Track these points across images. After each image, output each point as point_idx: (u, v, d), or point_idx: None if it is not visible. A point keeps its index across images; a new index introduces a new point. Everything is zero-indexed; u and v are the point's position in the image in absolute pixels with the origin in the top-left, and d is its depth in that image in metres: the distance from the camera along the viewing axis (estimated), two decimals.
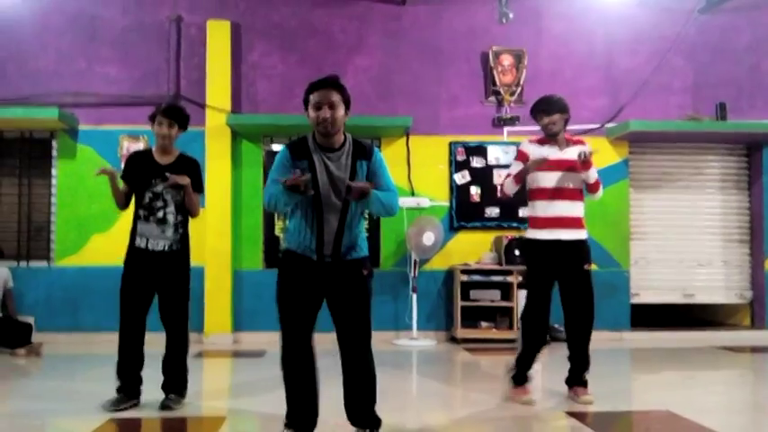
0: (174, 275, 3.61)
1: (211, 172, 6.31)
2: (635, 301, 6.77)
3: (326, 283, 2.73)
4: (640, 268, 6.84)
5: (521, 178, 3.73)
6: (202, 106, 6.39)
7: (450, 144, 6.65)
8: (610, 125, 6.71)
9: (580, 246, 3.71)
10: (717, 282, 6.93)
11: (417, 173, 6.59)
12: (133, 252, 3.57)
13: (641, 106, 6.72)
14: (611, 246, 6.65)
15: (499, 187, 3.78)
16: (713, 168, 7.02)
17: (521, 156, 3.81)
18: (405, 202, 6.47)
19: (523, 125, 6.57)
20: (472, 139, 6.68)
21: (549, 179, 3.69)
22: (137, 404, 3.57)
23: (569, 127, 6.56)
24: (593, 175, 3.75)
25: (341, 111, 2.66)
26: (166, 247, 3.57)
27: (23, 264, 6.37)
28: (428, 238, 6.14)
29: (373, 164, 2.73)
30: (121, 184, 3.67)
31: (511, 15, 6.57)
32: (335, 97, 2.65)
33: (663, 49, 6.77)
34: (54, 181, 6.44)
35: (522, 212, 6.38)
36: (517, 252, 6.18)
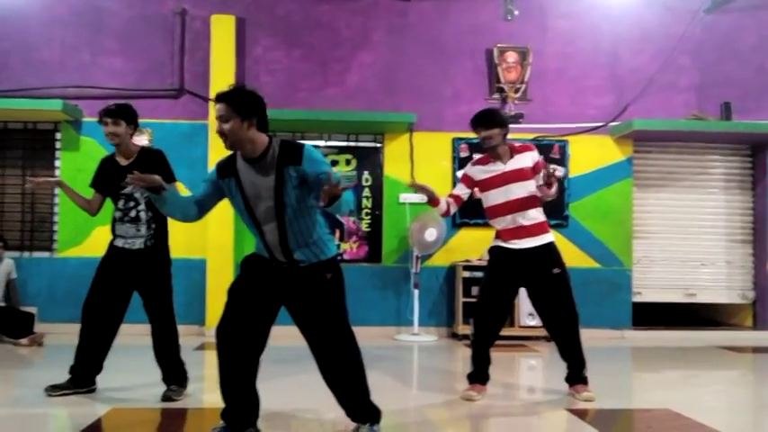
0: (152, 271, 3.65)
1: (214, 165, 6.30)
2: (637, 299, 6.76)
3: (285, 289, 2.70)
4: (643, 267, 6.83)
5: (436, 204, 3.69)
6: (206, 99, 6.38)
7: (454, 140, 6.65)
8: (614, 123, 6.70)
9: (544, 251, 3.68)
10: (719, 282, 6.92)
11: (421, 169, 6.58)
12: (113, 251, 3.66)
13: (646, 105, 6.70)
14: (613, 244, 6.63)
15: (443, 203, 3.75)
16: (717, 168, 7.00)
17: (464, 179, 3.82)
18: (408, 197, 6.48)
19: (527, 122, 6.56)
20: (475, 135, 6.63)
21: (497, 195, 3.69)
22: (88, 391, 3.63)
23: (575, 124, 6.69)
24: (550, 195, 3.68)
25: (231, 124, 2.54)
26: (143, 245, 3.63)
27: (27, 254, 6.39)
28: (430, 234, 6.13)
29: (305, 164, 2.55)
30: (92, 191, 3.75)
31: (516, 12, 6.56)
32: (224, 111, 2.55)
33: (668, 48, 6.75)
34: (57, 172, 6.44)
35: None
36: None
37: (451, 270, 6.51)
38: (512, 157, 3.73)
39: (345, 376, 2.72)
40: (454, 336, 6.36)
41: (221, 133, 2.58)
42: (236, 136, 2.56)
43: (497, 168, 3.71)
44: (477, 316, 3.78)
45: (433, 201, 3.67)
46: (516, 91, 6.65)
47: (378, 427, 2.77)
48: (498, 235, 3.77)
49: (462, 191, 3.81)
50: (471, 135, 6.68)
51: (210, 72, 6.39)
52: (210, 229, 6.28)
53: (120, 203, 3.62)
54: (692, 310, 7.25)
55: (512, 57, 6.65)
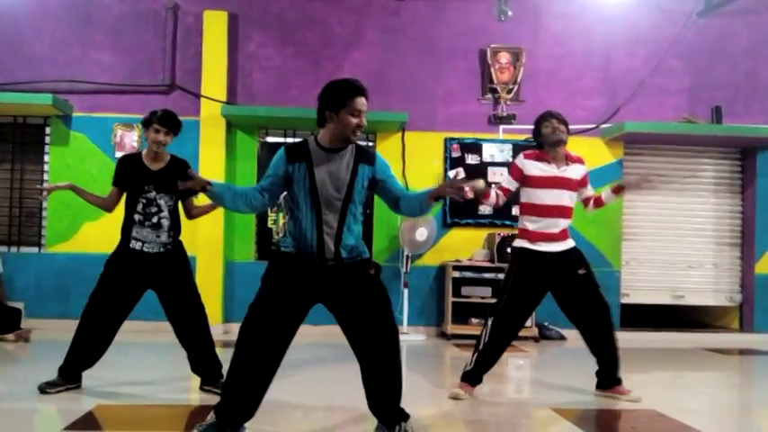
0: (175, 270, 3.64)
1: (205, 162, 6.29)
2: (625, 301, 6.80)
3: (327, 287, 2.69)
4: (631, 269, 6.86)
5: (487, 197, 3.65)
6: (197, 96, 6.36)
7: (446, 140, 6.65)
8: (605, 126, 6.73)
9: (569, 254, 3.72)
10: (707, 284, 6.97)
11: (412, 168, 6.58)
12: (126, 252, 3.59)
13: (637, 107, 6.73)
14: (603, 246, 6.67)
15: (492, 195, 3.69)
16: (707, 171, 7.05)
17: (515, 172, 3.75)
18: None
19: (519, 123, 6.58)
20: (468, 136, 6.68)
21: (545, 196, 3.67)
22: (75, 387, 3.61)
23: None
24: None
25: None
26: (162, 249, 3.61)
27: (14, 249, 6.34)
28: (421, 234, 6.14)
29: (380, 169, 2.76)
30: (110, 191, 3.72)
31: (510, 13, 6.57)
32: (366, 106, 2.70)
33: (660, 51, 6.79)
34: (46, 167, 6.40)
35: (516, 210, 6.38)
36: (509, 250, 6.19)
37: (441, 270, 6.52)
38: (567, 164, 3.74)
39: (391, 377, 2.70)
40: (443, 335, 6.37)
41: (363, 127, 2.68)
42: None
43: (551, 170, 3.70)
44: (499, 318, 3.67)
45: (484, 194, 3.63)
46: (509, 92, 6.67)
47: (409, 425, 2.74)
48: (527, 236, 3.70)
49: (512, 185, 3.74)
50: (463, 135, 6.78)
51: (202, 68, 6.36)
52: (201, 227, 6.24)
53: (140, 207, 3.58)
54: (679, 311, 7.30)
55: (505, 57, 6.67)
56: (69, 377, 3.61)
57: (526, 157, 3.75)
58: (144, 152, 3.67)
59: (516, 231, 3.90)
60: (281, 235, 2.86)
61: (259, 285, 2.76)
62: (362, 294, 2.69)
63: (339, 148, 2.69)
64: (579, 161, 3.82)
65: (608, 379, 3.78)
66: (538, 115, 3.83)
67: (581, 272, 3.71)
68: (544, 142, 3.74)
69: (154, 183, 3.59)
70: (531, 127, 3.87)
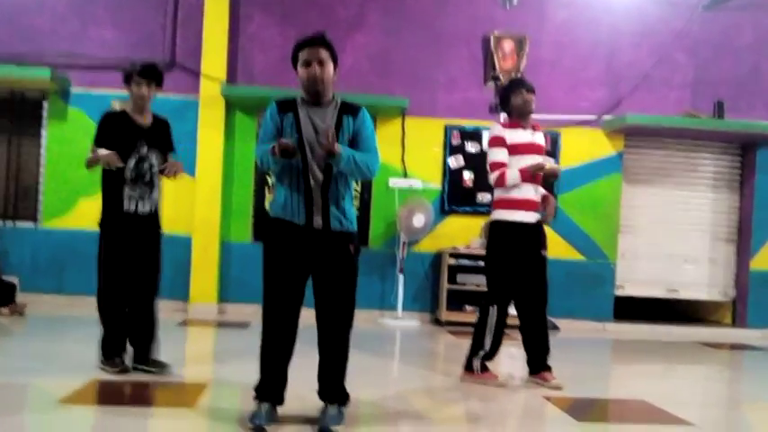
0: (154, 240, 3.62)
1: (203, 141, 6.26)
2: (619, 293, 6.83)
3: (313, 253, 2.70)
4: (627, 261, 6.88)
5: (530, 176, 3.65)
6: (197, 74, 6.31)
7: (446, 127, 6.63)
8: (607, 117, 6.70)
9: (540, 230, 3.74)
10: (701, 278, 7.00)
11: (411, 154, 6.56)
12: (121, 217, 3.51)
13: (640, 100, 6.71)
14: (599, 237, 6.68)
15: (494, 176, 3.67)
16: (707, 166, 7.04)
17: (501, 141, 3.71)
18: (397, 182, 6.47)
19: None
20: (468, 123, 6.65)
21: (523, 162, 3.68)
22: (121, 370, 3.57)
23: (568, 116, 6.69)
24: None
25: (329, 67, 2.68)
26: (152, 209, 3.60)
27: (10, 224, 6.33)
28: (418, 220, 6.14)
29: (358, 120, 2.72)
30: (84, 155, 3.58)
31: (515, 0, 6.51)
32: (324, 54, 2.66)
33: (665, 44, 6.75)
34: (44, 142, 6.37)
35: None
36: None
37: (438, 257, 6.52)
38: (534, 131, 3.77)
39: (336, 351, 2.74)
40: (437, 322, 6.40)
41: (316, 77, 2.63)
42: (329, 81, 2.67)
43: (526, 137, 3.72)
44: (502, 299, 3.67)
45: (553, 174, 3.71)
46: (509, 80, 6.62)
47: (344, 410, 2.78)
48: (508, 205, 3.66)
49: (507, 156, 3.69)
50: (464, 122, 6.74)
51: (203, 47, 6.30)
52: (198, 206, 6.25)
53: (132, 163, 3.49)
54: (673, 305, 7.33)
55: (508, 45, 6.62)
56: (113, 355, 3.56)
57: (504, 126, 3.76)
58: (129, 108, 3.59)
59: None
60: (271, 203, 2.83)
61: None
62: (335, 267, 2.71)
63: (318, 101, 2.69)
64: (539, 128, 3.85)
65: (539, 363, 3.81)
66: (506, 82, 3.82)
67: (543, 253, 3.74)
68: (513, 111, 3.76)
69: (146, 138, 3.54)
70: (533, 116, 3.84)
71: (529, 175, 3.66)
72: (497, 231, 3.71)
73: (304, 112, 2.67)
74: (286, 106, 2.70)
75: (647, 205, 6.96)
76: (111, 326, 3.55)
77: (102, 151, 3.41)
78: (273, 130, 2.69)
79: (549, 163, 3.72)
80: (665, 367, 5.02)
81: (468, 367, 3.77)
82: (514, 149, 3.68)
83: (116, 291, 3.53)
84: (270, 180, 6.51)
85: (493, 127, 3.81)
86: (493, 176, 3.71)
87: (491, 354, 3.76)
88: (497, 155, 3.70)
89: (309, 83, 2.65)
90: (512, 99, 3.74)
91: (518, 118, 3.74)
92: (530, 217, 3.68)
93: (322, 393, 2.80)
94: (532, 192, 3.69)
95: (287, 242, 2.69)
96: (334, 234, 2.69)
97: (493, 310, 3.69)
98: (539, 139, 3.78)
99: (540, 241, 3.74)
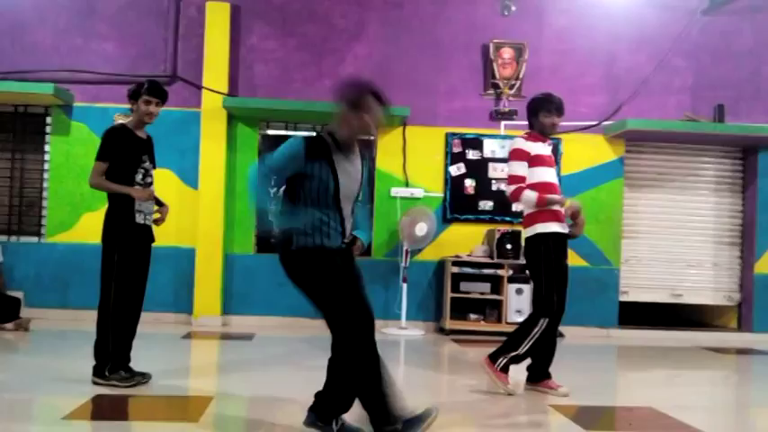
0: (150, 251, 3.72)
1: (206, 154, 6.28)
2: (624, 299, 6.80)
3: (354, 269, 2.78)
4: (630, 267, 6.86)
5: (545, 204, 3.67)
6: (199, 87, 6.34)
7: (447, 135, 6.64)
8: (607, 123, 6.71)
9: (570, 236, 3.82)
10: (706, 283, 6.97)
11: (413, 163, 6.57)
12: (136, 229, 3.59)
13: (640, 105, 6.72)
14: (602, 243, 6.67)
15: (511, 189, 3.72)
16: (708, 170, 7.03)
17: (523, 155, 3.73)
18: (399, 191, 6.48)
19: (521, 119, 6.56)
20: (469, 131, 6.66)
21: (549, 175, 3.77)
22: (129, 385, 3.57)
23: (568, 122, 6.70)
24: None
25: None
26: (151, 221, 3.71)
27: (14, 238, 6.34)
28: (420, 229, 6.14)
29: (365, 160, 2.86)
30: (102, 167, 3.59)
31: (513, 8, 6.54)
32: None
33: (664, 49, 6.76)
34: (47, 157, 6.40)
35: (516, 206, 6.37)
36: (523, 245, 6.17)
37: (441, 265, 6.52)
38: (547, 143, 3.87)
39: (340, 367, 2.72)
40: (441, 331, 6.38)
41: (372, 130, 2.72)
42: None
43: (546, 151, 3.80)
44: (556, 310, 3.68)
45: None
46: (511, 87, 6.65)
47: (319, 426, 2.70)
48: (546, 218, 3.69)
49: (527, 170, 3.73)
50: (465, 130, 6.76)
51: (204, 60, 6.34)
52: (201, 218, 6.26)
53: (139, 177, 3.61)
54: (678, 310, 7.31)
55: (507, 53, 6.64)
56: (119, 368, 3.57)
57: (527, 139, 3.79)
58: (131, 123, 3.69)
59: (516, 228, 3.91)
60: (283, 225, 2.78)
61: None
62: (360, 276, 2.79)
63: (353, 148, 2.74)
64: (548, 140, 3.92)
65: (541, 372, 3.80)
66: (540, 96, 3.84)
67: (566, 262, 3.79)
68: (538, 128, 3.81)
69: (147, 153, 3.69)
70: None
71: (544, 202, 3.68)
72: (545, 243, 3.71)
73: (338, 160, 2.66)
74: (316, 151, 2.62)
75: (650, 210, 6.95)
76: (122, 338, 3.57)
77: (133, 190, 3.55)
78: (291, 170, 2.63)
79: (574, 204, 3.81)
80: (671, 373, 5.00)
81: (493, 358, 3.74)
82: (535, 161, 3.74)
83: (130, 302, 3.58)
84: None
85: (516, 140, 3.85)
86: (510, 189, 3.77)
87: (521, 359, 3.75)
88: (518, 168, 3.74)
89: (363, 132, 2.69)
90: (541, 117, 3.77)
91: (541, 134, 3.81)
92: (560, 227, 3.74)
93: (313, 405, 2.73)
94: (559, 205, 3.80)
95: (343, 266, 2.69)
96: (348, 245, 2.77)
97: (543, 322, 3.68)
98: (550, 151, 3.88)
99: (567, 250, 3.82)
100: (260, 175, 2.69)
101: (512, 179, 3.75)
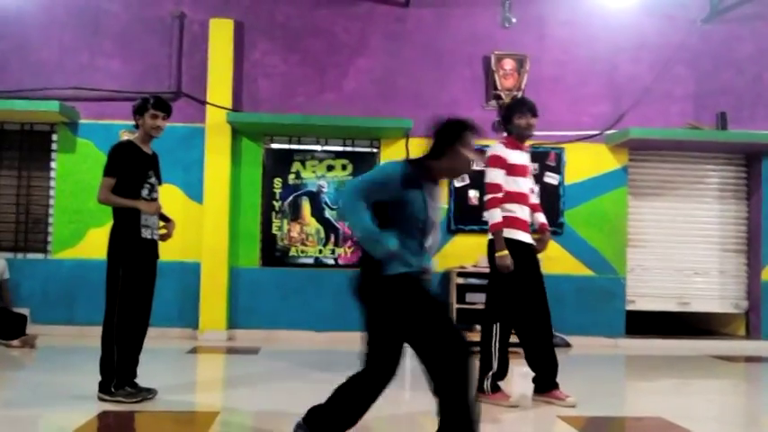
0: (155, 266, 3.73)
1: (210, 169, 6.32)
2: (630, 308, 6.77)
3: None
4: (637, 275, 6.84)
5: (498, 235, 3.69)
6: (203, 103, 6.39)
7: None
8: (610, 132, 6.72)
9: (535, 250, 3.82)
10: (713, 291, 6.94)
11: None
12: (142, 244, 3.60)
13: (642, 114, 6.73)
14: (608, 252, 6.65)
15: (489, 198, 3.73)
16: (712, 177, 7.02)
17: (501, 162, 3.72)
18: None
19: None
20: (523, 121, 6.63)
21: (525, 184, 3.78)
22: (137, 401, 3.57)
23: (571, 132, 6.72)
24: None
25: None
26: (157, 235, 3.72)
27: (20, 255, 6.37)
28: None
29: None
30: (110, 183, 3.62)
31: (513, 20, 6.59)
32: None
33: (665, 57, 6.79)
34: (53, 174, 6.44)
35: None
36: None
37: (446, 276, 6.51)
38: (525, 151, 3.86)
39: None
40: None
41: (470, 166, 2.78)
42: None
43: (523, 159, 3.80)
44: (500, 312, 3.71)
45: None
46: (513, 98, 6.67)
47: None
48: (515, 224, 3.71)
49: (504, 178, 3.72)
50: None
51: (208, 75, 6.40)
52: (206, 233, 6.28)
53: (145, 192, 3.64)
54: (685, 318, 7.26)
55: (509, 64, 6.68)
56: (125, 384, 3.58)
57: (506, 146, 3.79)
58: (138, 139, 3.71)
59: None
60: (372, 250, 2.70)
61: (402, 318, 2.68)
62: None
63: (437, 179, 2.79)
64: (527, 148, 3.92)
65: (548, 382, 3.78)
66: (511, 101, 3.88)
67: (537, 271, 3.80)
68: (515, 132, 3.80)
69: (153, 168, 3.72)
70: (536, 133, 3.92)
71: (499, 235, 3.70)
72: (510, 250, 3.72)
73: (428, 190, 2.71)
74: (412, 182, 2.67)
75: (654, 218, 6.93)
76: (127, 353, 3.57)
77: (141, 203, 3.58)
78: (386, 196, 2.63)
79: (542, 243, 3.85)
80: (679, 382, 4.96)
81: (480, 388, 3.74)
82: (512, 170, 3.74)
83: (135, 317, 3.58)
84: (277, 205, 6.56)
85: (494, 146, 3.85)
86: (487, 197, 3.77)
87: (500, 373, 3.74)
88: (497, 176, 3.75)
89: (464, 171, 2.80)
90: (515, 120, 3.78)
91: (518, 139, 3.80)
92: (528, 237, 3.76)
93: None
94: (528, 215, 3.81)
95: (432, 294, 2.73)
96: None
97: (496, 327, 3.72)
98: (529, 160, 3.90)
99: (537, 260, 3.80)
100: (353, 194, 2.61)
101: (490, 187, 3.75)
